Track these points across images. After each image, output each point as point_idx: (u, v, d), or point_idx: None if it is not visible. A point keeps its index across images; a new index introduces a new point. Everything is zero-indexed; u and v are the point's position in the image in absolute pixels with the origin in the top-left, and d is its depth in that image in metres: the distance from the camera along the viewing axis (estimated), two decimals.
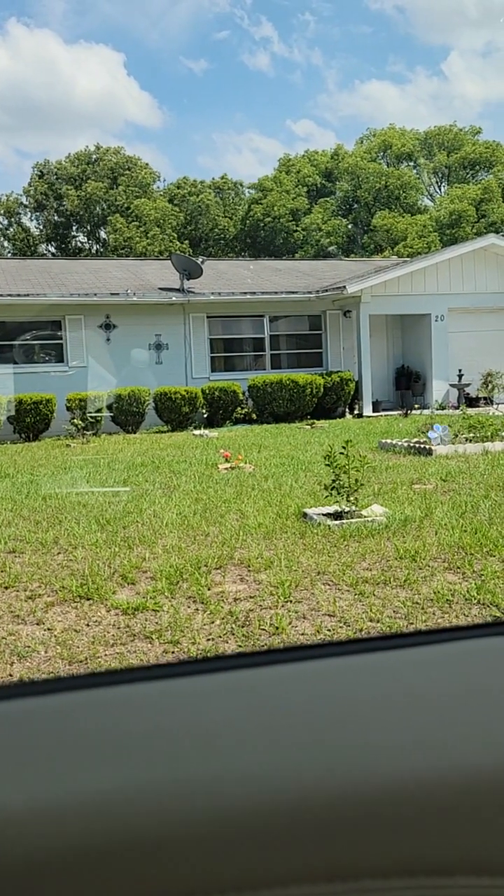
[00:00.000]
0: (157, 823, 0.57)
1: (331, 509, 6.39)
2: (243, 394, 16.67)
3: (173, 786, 0.59)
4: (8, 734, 0.62)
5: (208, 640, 3.90)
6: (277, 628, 3.97)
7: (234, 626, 4.07)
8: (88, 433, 14.65)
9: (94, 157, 47.29)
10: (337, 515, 6.23)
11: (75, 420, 14.56)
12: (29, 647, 3.88)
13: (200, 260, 19.55)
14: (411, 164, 46.81)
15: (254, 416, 16.75)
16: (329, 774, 0.61)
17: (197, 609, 4.36)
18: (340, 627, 3.97)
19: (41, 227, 47.86)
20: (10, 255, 42.30)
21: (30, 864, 0.55)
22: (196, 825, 0.58)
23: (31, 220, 48.08)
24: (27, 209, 47.66)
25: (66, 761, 0.60)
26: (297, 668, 0.70)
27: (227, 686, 0.68)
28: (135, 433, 15.81)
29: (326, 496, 6.50)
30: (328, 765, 0.61)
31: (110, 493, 8.13)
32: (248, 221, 44.99)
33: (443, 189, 47.62)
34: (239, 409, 16.73)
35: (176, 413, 15.90)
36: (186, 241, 43.10)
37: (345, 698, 0.67)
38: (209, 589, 4.68)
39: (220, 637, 3.93)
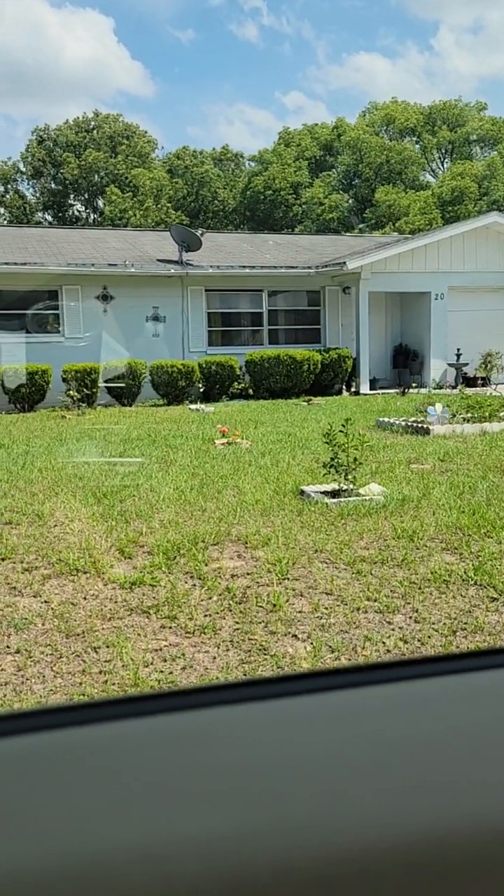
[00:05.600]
0: (262, 869, 0.51)
1: (328, 487, 6.37)
2: (240, 369, 16.57)
3: (276, 827, 0.52)
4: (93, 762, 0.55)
5: (206, 615, 3.89)
6: (275, 605, 3.97)
7: (231, 602, 4.07)
8: (83, 405, 14.57)
9: (92, 124, 46.56)
10: (334, 493, 6.22)
11: (71, 392, 14.47)
12: (26, 619, 3.87)
13: (200, 232, 19.33)
14: (414, 139, 46.23)
15: (250, 391, 16.68)
16: (446, 813, 0.54)
17: (194, 585, 4.35)
18: (338, 605, 3.97)
19: (38, 194, 47.24)
20: (6, 222, 41.75)
21: None
22: (303, 868, 0.51)
23: (28, 188, 47.45)
24: (24, 176, 46.99)
25: (154, 801, 0.53)
26: (404, 687, 0.62)
27: (323, 709, 0.58)
28: (130, 406, 15.74)
29: (324, 474, 6.48)
30: (446, 803, 0.54)
31: (106, 467, 8.09)
32: (248, 194, 44.48)
33: (445, 165, 47.10)
34: (236, 384, 16.64)
35: (172, 387, 15.82)
36: (182, 212, 42.60)
37: (466, 725, 0.58)
38: (206, 565, 4.67)
39: (218, 613, 3.92)
